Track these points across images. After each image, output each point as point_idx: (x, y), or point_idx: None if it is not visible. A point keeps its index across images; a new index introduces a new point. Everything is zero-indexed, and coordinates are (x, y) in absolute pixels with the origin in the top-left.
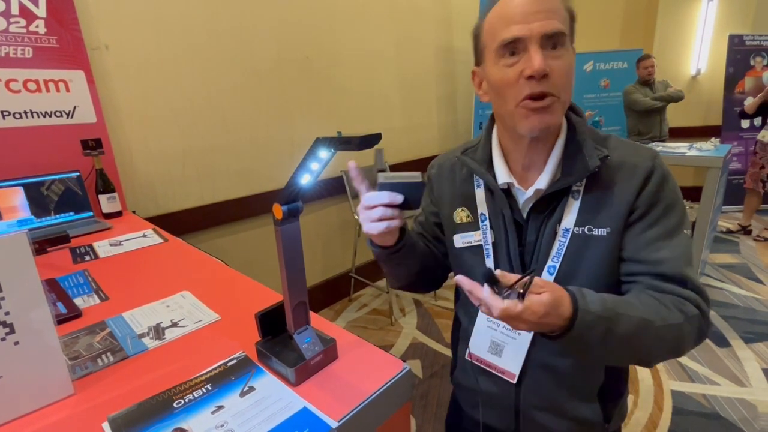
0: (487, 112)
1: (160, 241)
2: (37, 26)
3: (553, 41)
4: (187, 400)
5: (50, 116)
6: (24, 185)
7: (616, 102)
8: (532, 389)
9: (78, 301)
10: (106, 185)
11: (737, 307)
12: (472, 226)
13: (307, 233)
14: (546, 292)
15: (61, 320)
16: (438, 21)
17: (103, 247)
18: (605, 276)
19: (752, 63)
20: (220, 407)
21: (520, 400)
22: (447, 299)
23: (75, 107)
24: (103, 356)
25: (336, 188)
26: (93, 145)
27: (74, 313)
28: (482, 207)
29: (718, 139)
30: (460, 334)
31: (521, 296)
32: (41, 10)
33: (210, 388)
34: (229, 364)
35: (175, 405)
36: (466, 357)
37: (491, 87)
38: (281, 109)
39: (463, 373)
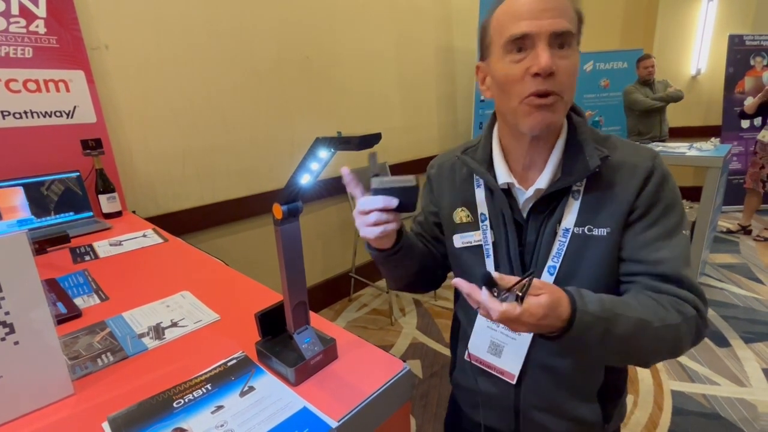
0: (488, 112)
1: (160, 241)
2: (37, 26)
3: (560, 40)
4: (186, 400)
5: (50, 116)
6: (24, 185)
7: (616, 102)
8: (532, 390)
9: (78, 301)
10: (106, 185)
11: (737, 307)
12: (472, 226)
13: (307, 233)
14: (544, 293)
15: (61, 320)
16: (438, 21)
17: (103, 247)
18: (605, 276)
19: (752, 63)
20: (220, 407)
21: (519, 401)
22: (447, 299)
23: (75, 107)
24: (103, 356)
25: (336, 188)
26: (93, 145)
27: (74, 313)
28: (482, 207)
29: (718, 139)
30: (460, 335)
31: (520, 299)
32: (41, 10)
33: (210, 388)
34: (228, 364)
35: (174, 405)
36: (466, 357)
37: (495, 82)
38: (281, 109)
39: (462, 374)
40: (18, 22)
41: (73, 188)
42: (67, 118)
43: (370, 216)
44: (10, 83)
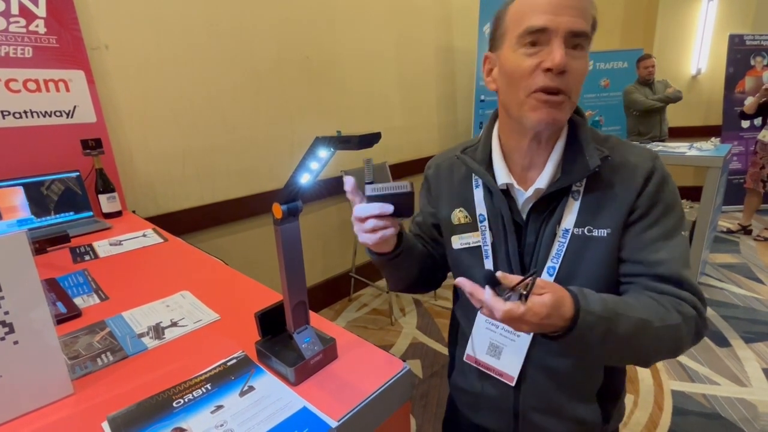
0: (488, 112)
1: (160, 240)
2: (36, 26)
3: (575, 42)
4: (186, 400)
5: (50, 116)
6: (24, 185)
7: (616, 102)
8: (532, 391)
9: (78, 301)
10: (105, 185)
11: (737, 307)
12: (471, 227)
13: (307, 233)
14: (547, 292)
15: (60, 320)
16: (438, 21)
17: (102, 246)
18: (605, 277)
19: (752, 63)
20: (220, 407)
21: (518, 402)
22: (447, 299)
23: (75, 107)
24: (103, 356)
25: (336, 188)
26: (93, 144)
27: (74, 313)
28: (480, 207)
29: (719, 139)
30: (459, 336)
31: (523, 297)
32: (41, 10)
33: (210, 388)
34: (228, 363)
35: (174, 404)
36: (465, 359)
37: (503, 74)
38: (281, 108)
39: (461, 376)
40: (18, 22)
41: (73, 188)
42: (67, 117)
43: (367, 223)
44: (10, 83)
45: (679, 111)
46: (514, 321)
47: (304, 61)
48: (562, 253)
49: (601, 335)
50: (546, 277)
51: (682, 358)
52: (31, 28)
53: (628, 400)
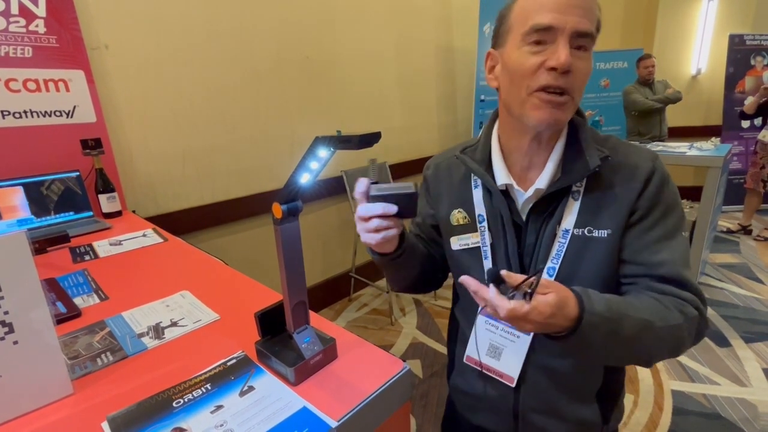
0: (487, 112)
1: (160, 240)
2: (36, 26)
3: (579, 42)
4: (186, 400)
5: (50, 116)
6: (24, 185)
7: (616, 102)
8: (531, 392)
9: (77, 301)
10: (105, 185)
11: (737, 307)
12: (470, 227)
13: (307, 233)
14: (552, 292)
15: (60, 320)
16: (438, 21)
17: (102, 246)
18: (605, 277)
19: (753, 62)
20: (220, 407)
21: (518, 403)
22: (447, 299)
23: (75, 107)
24: (103, 356)
25: (336, 188)
26: (93, 144)
27: (74, 313)
28: (480, 208)
29: (719, 139)
30: (458, 337)
31: (528, 296)
32: (41, 10)
33: (209, 388)
34: (228, 363)
35: (174, 404)
36: (465, 360)
37: (506, 71)
38: (281, 108)
39: (460, 377)
40: (18, 22)
41: (73, 188)
42: (67, 117)
43: (371, 223)
44: (9, 83)
45: (679, 111)
46: (517, 320)
47: (304, 61)
48: (562, 254)
49: (604, 336)
50: (546, 278)
51: (682, 358)
52: (31, 27)
53: (628, 400)
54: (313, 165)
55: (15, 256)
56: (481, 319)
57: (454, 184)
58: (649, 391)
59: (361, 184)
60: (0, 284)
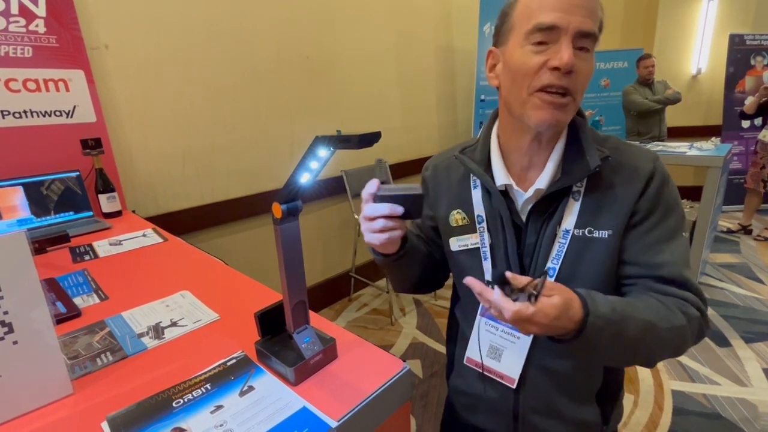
0: (487, 112)
1: (160, 240)
2: (36, 26)
3: (582, 43)
4: (186, 400)
5: (50, 116)
6: (24, 185)
7: (616, 102)
8: (532, 393)
9: (77, 301)
10: (105, 185)
11: (738, 307)
12: (469, 228)
13: (307, 233)
14: (556, 294)
15: (60, 320)
16: (438, 20)
17: (102, 246)
18: (605, 278)
19: (753, 62)
20: (220, 407)
21: (518, 405)
22: (447, 299)
23: (75, 107)
24: (102, 356)
25: (336, 188)
26: (93, 144)
27: (73, 313)
28: (479, 209)
29: (719, 139)
30: (458, 337)
31: (533, 298)
32: (41, 10)
33: (209, 388)
34: (228, 363)
35: (174, 404)
36: (465, 362)
37: (508, 70)
38: (281, 108)
39: (460, 377)
40: (17, 22)
41: (73, 188)
42: (67, 117)
43: (376, 223)
44: (9, 83)
45: (679, 111)
46: (522, 322)
47: (304, 61)
48: (563, 254)
49: (609, 338)
50: (549, 280)
51: (683, 358)
52: (31, 27)
53: (629, 400)
54: (313, 165)
55: (15, 256)
56: (481, 320)
57: (452, 184)
58: (649, 391)
59: (372, 185)
60: (0, 284)
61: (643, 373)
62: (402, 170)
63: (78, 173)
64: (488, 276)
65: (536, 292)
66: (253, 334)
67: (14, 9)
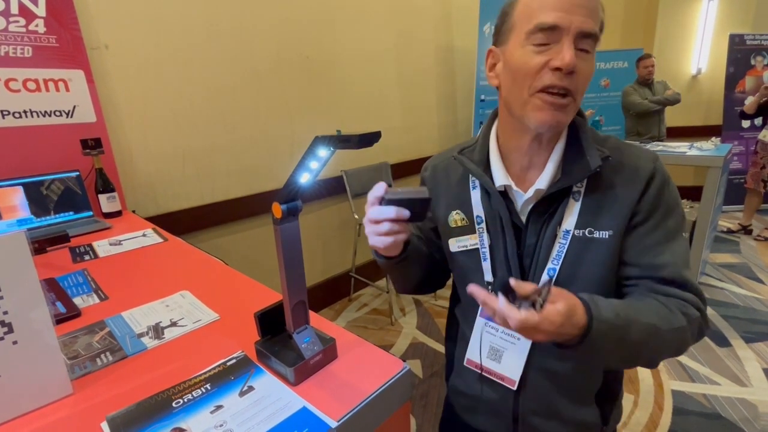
0: (487, 112)
1: (160, 240)
2: (36, 25)
3: (583, 44)
4: (186, 400)
5: (50, 116)
6: (24, 185)
7: (616, 102)
8: (532, 395)
9: (77, 301)
10: (105, 185)
11: (738, 307)
12: (468, 229)
13: (307, 233)
14: (560, 301)
15: (60, 320)
16: (438, 20)
17: (102, 246)
18: (605, 278)
19: (753, 62)
20: (219, 407)
21: (518, 406)
22: (447, 299)
23: (74, 107)
24: (102, 356)
25: (336, 188)
26: (92, 144)
27: (73, 313)
28: (478, 209)
29: (719, 139)
30: (458, 338)
31: (538, 305)
32: (41, 10)
33: (209, 388)
34: (228, 363)
35: (174, 405)
36: (465, 363)
37: (508, 70)
38: (281, 108)
39: (459, 378)
40: (17, 22)
41: (73, 188)
42: (67, 117)
43: (382, 226)
44: (9, 83)
45: (679, 111)
46: (528, 330)
47: (304, 61)
48: (563, 255)
49: (613, 342)
50: (546, 279)
51: (683, 358)
52: (31, 27)
53: (629, 400)
54: (313, 165)
55: (14, 256)
56: (480, 321)
57: (451, 185)
58: (649, 391)
59: (380, 189)
60: (0, 284)
61: (643, 373)
62: (402, 170)
63: (78, 173)
64: (488, 277)
65: (541, 300)
66: (253, 334)
67: (14, 9)
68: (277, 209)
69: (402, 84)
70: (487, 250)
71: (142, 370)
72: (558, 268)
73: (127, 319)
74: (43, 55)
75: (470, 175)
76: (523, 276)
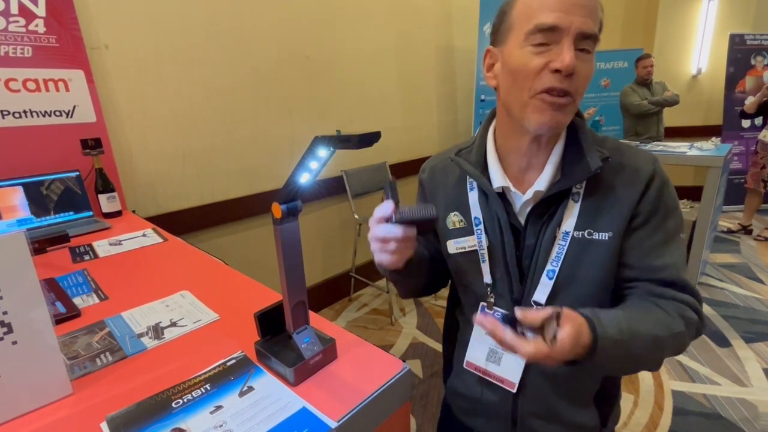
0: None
1: (160, 240)
2: (36, 25)
3: (583, 44)
4: (185, 400)
5: (50, 116)
6: (24, 185)
7: (616, 102)
8: (531, 397)
9: (77, 301)
10: (105, 185)
11: (738, 307)
12: (466, 231)
13: (307, 233)
14: (567, 324)
15: (59, 320)
16: (438, 20)
17: (102, 246)
18: (604, 280)
19: (753, 62)
20: (219, 407)
21: (517, 408)
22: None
23: (74, 107)
24: (102, 356)
25: (336, 188)
26: (92, 144)
27: (73, 313)
28: (476, 211)
29: (719, 139)
30: (457, 340)
31: (554, 339)
32: (41, 9)
33: (209, 388)
34: (228, 363)
35: (173, 405)
36: (465, 366)
37: (507, 71)
38: (281, 108)
39: (458, 380)
40: (17, 22)
41: (73, 188)
42: (67, 117)
43: (390, 245)
44: (9, 83)
45: (679, 111)
46: (542, 359)
47: (304, 61)
48: (562, 256)
49: (617, 357)
50: (545, 281)
51: (682, 358)
52: (31, 27)
53: (629, 400)
54: (313, 165)
55: (14, 256)
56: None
57: (449, 186)
58: (649, 391)
59: (387, 209)
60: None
61: (643, 373)
62: (402, 170)
63: (78, 173)
64: (487, 279)
65: (552, 333)
66: (252, 334)
67: (14, 9)
68: (277, 209)
69: (402, 84)
70: (485, 252)
71: (142, 371)
72: (557, 269)
73: (126, 319)
74: (43, 55)
75: (468, 177)
76: (522, 277)
